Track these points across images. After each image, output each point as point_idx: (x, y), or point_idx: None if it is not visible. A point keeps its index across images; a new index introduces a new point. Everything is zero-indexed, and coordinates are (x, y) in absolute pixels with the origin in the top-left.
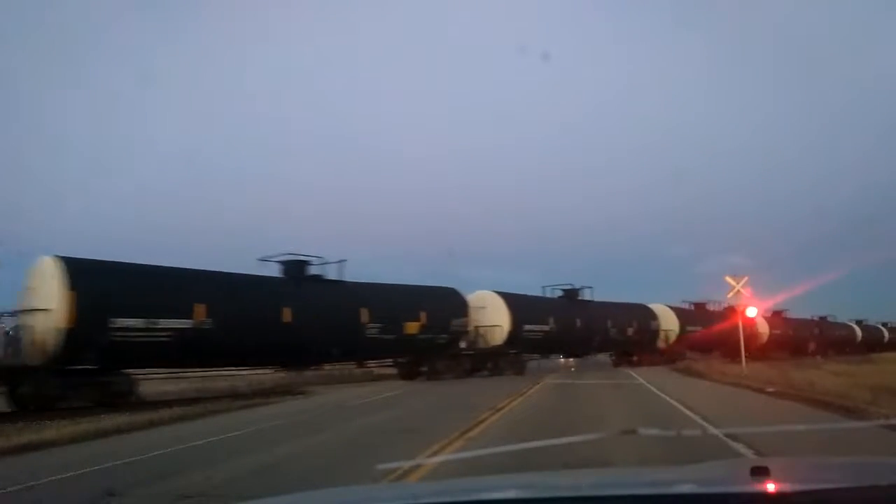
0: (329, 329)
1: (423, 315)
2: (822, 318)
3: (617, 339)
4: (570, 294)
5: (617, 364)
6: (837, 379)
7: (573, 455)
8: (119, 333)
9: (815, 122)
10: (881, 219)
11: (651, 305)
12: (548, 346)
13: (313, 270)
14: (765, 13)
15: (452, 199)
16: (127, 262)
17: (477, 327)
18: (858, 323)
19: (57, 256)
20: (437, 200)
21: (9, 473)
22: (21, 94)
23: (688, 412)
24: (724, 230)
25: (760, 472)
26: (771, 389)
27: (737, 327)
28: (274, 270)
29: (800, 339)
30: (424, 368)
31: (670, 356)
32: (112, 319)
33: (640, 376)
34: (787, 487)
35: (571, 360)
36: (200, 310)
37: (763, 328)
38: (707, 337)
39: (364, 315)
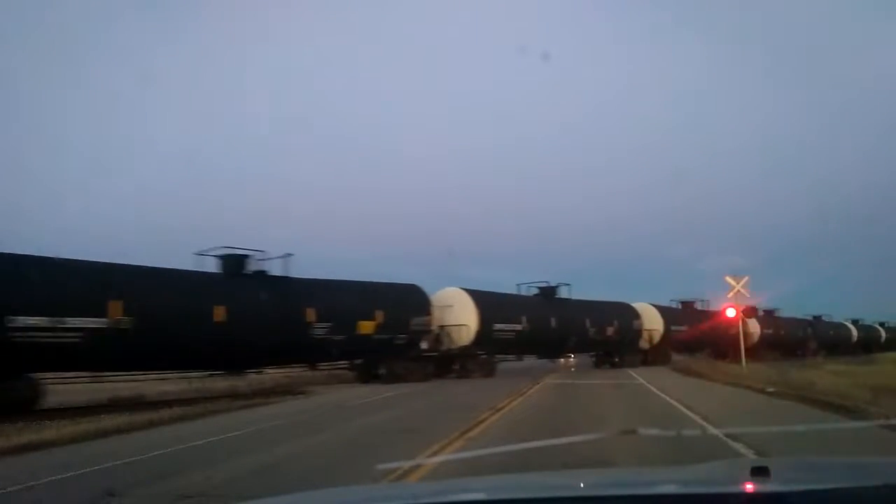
0: (269, 329)
1: (379, 314)
2: (817, 318)
3: (595, 338)
4: (547, 292)
5: (599, 365)
6: (838, 379)
7: (573, 455)
8: (18, 334)
9: (815, 122)
10: (881, 219)
11: (634, 304)
12: (520, 347)
13: (260, 266)
14: (765, 13)
15: (452, 199)
16: (28, 254)
17: (441, 327)
18: (855, 323)
19: None
20: (437, 200)
21: (9, 473)
22: (21, 94)
23: (687, 412)
24: (724, 230)
25: (760, 472)
26: (771, 389)
27: (724, 327)
28: (212, 266)
29: (792, 339)
30: (382, 371)
31: (654, 357)
32: (10, 318)
33: (640, 376)
34: (787, 487)
35: (572, 359)
36: (116, 307)
37: (754, 328)
38: (694, 337)
39: (310, 314)
